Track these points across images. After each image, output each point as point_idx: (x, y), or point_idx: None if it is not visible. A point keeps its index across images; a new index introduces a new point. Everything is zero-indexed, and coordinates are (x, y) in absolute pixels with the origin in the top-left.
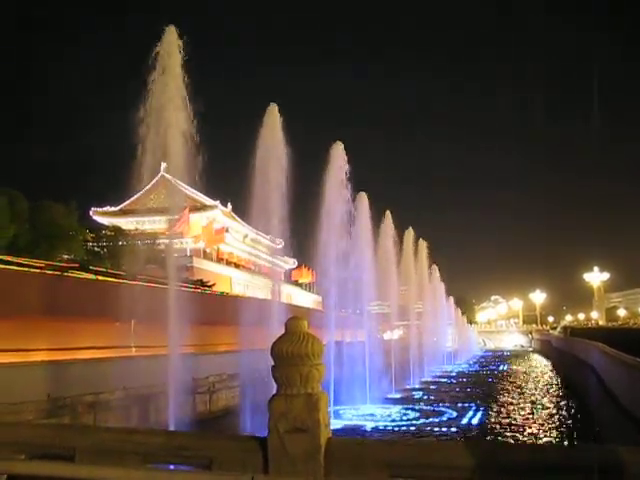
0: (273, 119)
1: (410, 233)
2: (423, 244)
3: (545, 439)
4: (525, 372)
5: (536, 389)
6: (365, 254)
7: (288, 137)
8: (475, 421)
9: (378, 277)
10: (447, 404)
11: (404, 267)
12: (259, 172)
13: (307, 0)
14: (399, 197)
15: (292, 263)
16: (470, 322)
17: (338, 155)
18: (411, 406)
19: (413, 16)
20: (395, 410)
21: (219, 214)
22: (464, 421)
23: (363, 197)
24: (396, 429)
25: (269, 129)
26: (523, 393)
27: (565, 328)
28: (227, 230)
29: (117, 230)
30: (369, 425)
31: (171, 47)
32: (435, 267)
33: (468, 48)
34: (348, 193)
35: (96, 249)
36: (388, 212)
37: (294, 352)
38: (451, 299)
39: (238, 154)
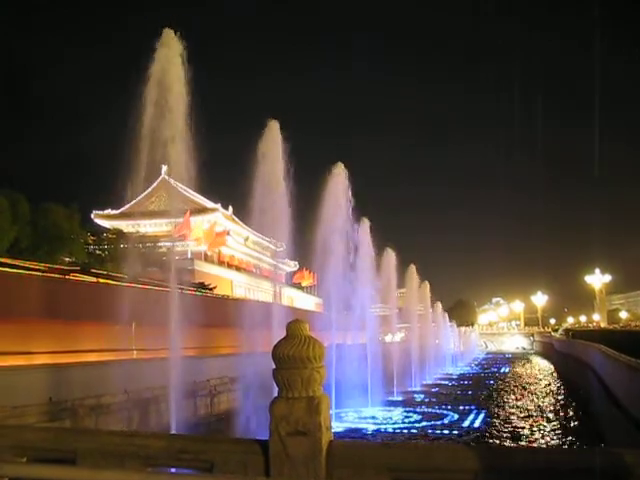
0: (274, 130)
1: (413, 270)
2: (426, 285)
3: (547, 441)
4: (527, 374)
5: (538, 391)
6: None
7: (289, 144)
8: (477, 424)
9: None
10: (449, 407)
11: (408, 305)
12: (261, 177)
13: (310, 12)
14: (400, 198)
15: (293, 266)
16: (471, 324)
17: (339, 173)
18: (413, 409)
19: (413, 31)
20: (397, 413)
21: (220, 217)
22: (466, 424)
23: (365, 223)
24: (398, 432)
25: (270, 137)
26: (524, 395)
27: (567, 330)
28: (228, 233)
29: (118, 233)
30: (370, 428)
31: (171, 50)
32: (438, 303)
33: (469, 58)
34: (349, 207)
35: (97, 252)
36: (389, 249)
37: (295, 355)
38: (455, 326)
39: (239, 157)
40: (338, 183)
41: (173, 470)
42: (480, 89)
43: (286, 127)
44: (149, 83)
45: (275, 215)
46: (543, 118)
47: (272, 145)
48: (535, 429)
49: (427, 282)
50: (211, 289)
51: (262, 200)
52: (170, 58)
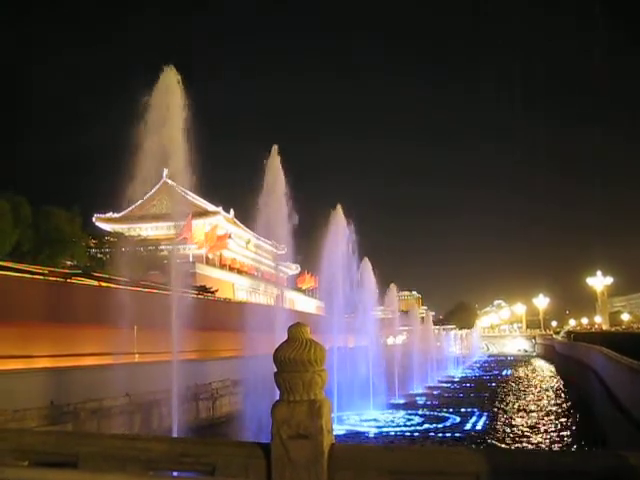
0: (275, 159)
1: (414, 297)
2: (429, 314)
3: (548, 444)
4: (528, 377)
5: (539, 394)
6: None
7: (289, 143)
8: (478, 426)
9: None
10: (450, 409)
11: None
12: (263, 181)
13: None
14: (399, 199)
15: (295, 269)
16: (470, 326)
17: (340, 210)
18: (414, 411)
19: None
20: (399, 415)
21: (222, 220)
22: (467, 426)
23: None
24: (399, 434)
25: (274, 164)
26: (526, 398)
27: (568, 333)
28: (230, 236)
29: (120, 236)
30: (372, 431)
31: (171, 82)
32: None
33: (469, 58)
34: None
35: (99, 255)
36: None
37: (296, 358)
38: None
39: (241, 160)
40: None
41: (175, 473)
42: (480, 89)
43: (285, 126)
44: (150, 87)
45: (277, 219)
46: (543, 118)
47: (273, 156)
48: (537, 431)
49: (430, 313)
50: (213, 292)
51: (264, 204)
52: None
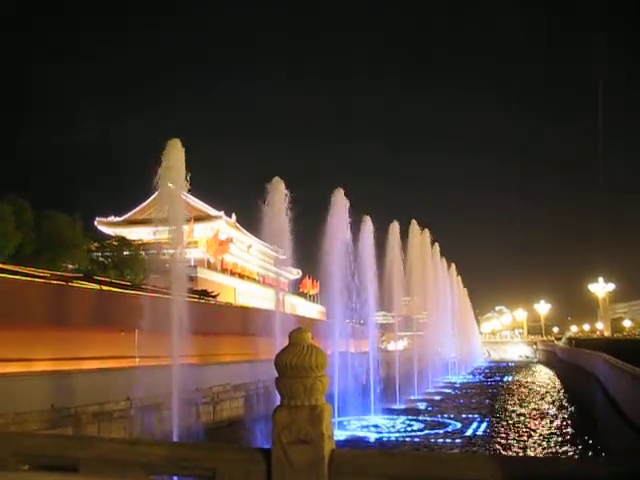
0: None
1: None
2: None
3: (550, 451)
4: (529, 383)
5: (541, 400)
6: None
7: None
8: (479, 433)
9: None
10: (451, 415)
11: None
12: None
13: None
14: (398, 203)
15: (296, 273)
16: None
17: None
18: (415, 417)
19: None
20: (399, 421)
21: (223, 224)
22: (468, 432)
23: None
24: (400, 440)
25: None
26: (527, 404)
27: (570, 339)
28: (232, 240)
29: (121, 240)
30: (373, 436)
31: None
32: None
33: (470, 60)
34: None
35: (100, 259)
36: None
37: (298, 364)
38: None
39: (242, 163)
40: (340, 200)
41: (175, 478)
42: (478, 90)
43: (286, 127)
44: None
45: (279, 223)
46: (544, 124)
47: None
48: (538, 438)
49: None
50: (214, 296)
51: (266, 208)
52: None
